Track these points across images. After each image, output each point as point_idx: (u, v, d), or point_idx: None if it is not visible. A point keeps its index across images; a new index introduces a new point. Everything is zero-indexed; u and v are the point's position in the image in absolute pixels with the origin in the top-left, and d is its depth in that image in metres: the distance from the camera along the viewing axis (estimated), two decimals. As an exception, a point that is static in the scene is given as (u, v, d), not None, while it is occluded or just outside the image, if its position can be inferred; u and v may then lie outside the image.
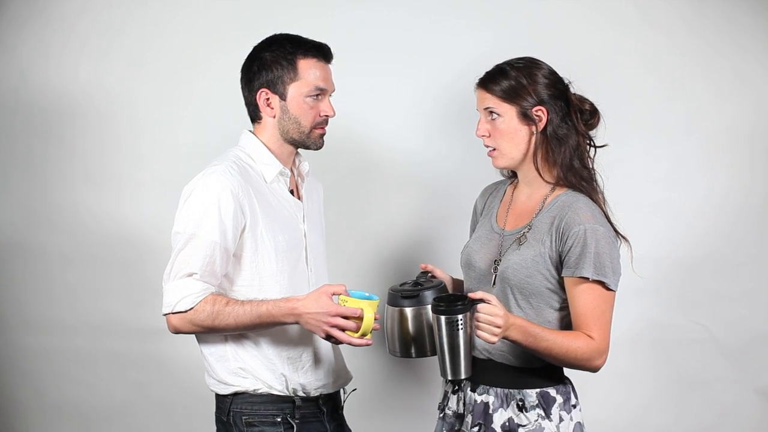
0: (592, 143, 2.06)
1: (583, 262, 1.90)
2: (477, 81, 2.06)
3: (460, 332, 1.85)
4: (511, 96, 2.00)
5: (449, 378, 1.92)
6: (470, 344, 1.88)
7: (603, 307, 1.93)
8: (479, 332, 1.83)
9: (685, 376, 2.84)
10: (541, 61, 2.05)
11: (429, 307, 1.96)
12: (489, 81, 2.03)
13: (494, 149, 2.05)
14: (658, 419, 2.85)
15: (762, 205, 2.79)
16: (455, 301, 1.86)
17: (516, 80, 2.00)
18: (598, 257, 1.90)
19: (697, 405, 2.83)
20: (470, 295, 1.86)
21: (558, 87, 2.03)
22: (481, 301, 1.83)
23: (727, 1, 2.79)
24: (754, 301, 2.81)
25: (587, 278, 1.90)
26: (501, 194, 2.20)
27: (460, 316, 1.84)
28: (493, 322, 1.81)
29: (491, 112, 2.02)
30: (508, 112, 2.01)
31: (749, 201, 2.79)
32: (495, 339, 1.82)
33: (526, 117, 2.01)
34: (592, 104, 2.07)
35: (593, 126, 2.07)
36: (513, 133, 2.02)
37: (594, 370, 1.95)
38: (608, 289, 1.92)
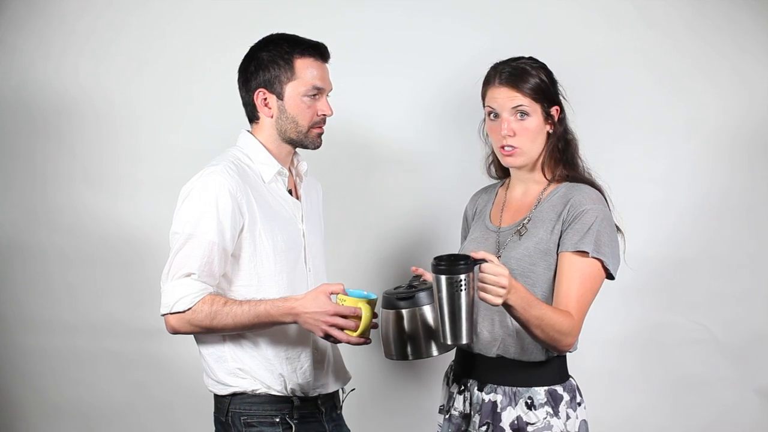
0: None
1: (585, 238, 1.92)
2: (499, 80, 2.03)
3: (462, 293, 1.72)
4: (539, 95, 2.01)
5: (449, 342, 1.78)
6: (472, 307, 1.75)
7: (588, 287, 1.93)
8: (483, 294, 1.75)
9: (685, 376, 2.83)
10: (539, 60, 2.08)
11: (425, 308, 1.92)
12: (519, 80, 2.01)
13: (516, 148, 2.03)
14: (657, 419, 2.85)
15: (762, 205, 2.79)
16: (457, 260, 1.73)
17: (541, 79, 2.02)
18: (599, 236, 1.92)
19: (697, 405, 2.83)
20: (472, 254, 1.75)
21: (557, 84, 2.07)
22: (484, 260, 1.75)
23: (727, 1, 2.78)
24: (753, 301, 2.80)
25: (587, 253, 1.91)
26: (492, 196, 2.21)
27: (462, 276, 1.71)
28: (499, 282, 1.73)
29: (520, 111, 2.01)
30: (536, 112, 2.02)
31: (749, 201, 2.78)
32: (499, 301, 1.75)
33: (547, 116, 2.03)
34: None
35: None
36: (537, 133, 2.03)
37: (565, 348, 1.93)
38: (604, 269, 1.94)
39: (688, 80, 2.79)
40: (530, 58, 2.07)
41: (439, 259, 1.75)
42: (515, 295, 1.79)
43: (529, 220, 2.03)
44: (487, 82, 2.07)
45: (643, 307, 2.82)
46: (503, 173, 2.20)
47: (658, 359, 2.84)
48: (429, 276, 2.06)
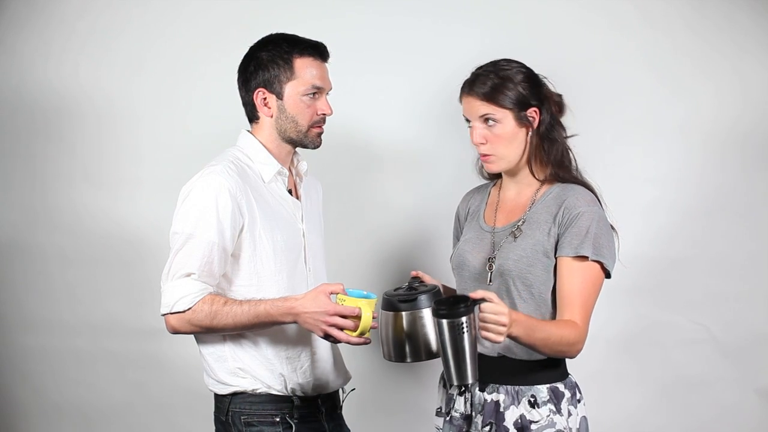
0: (565, 133, 2.09)
1: (584, 242, 1.92)
2: (462, 89, 2.04)
3: (465, 335, 1.74)
4: (501, 98, 1.99)
5: (455, 383, 1.81)
6: (475, 346, 1.77)
7: (591, 291, 1.93)
8: (485, 333, 1.76)
9: (685, 376, 2.83)
10: (517, 61, 2.05)
11: (425, 310, 1.92)
12: (476, 86, 2.01)
13: (490, 155, 2.04)
14: (657, 419, 2.85)
15: (762, 204, 2.79)
16: (457, 303, 1.76)
17: (500, 80, 1.99)
18: (597, 239, 1.92)
19: (697, 405, 2.83)
20: (471, 295, 1.77)
21: (539, 84, 2.04)
22: (483, 300, 1.77)
23: (727, 1, 2.78)
24: (754, 301, 2.80)
25: (586, 257, 1.91)
26: (485, 196, 2.20)
27: (463, 319, 1.73)
28: (499, 321, 1.75)
29: (487, 119, 2.01)
30: (505, 117, 2.00)
31: (748, 200, 2.78)
32: (501, 339, 1.76)
33: (521, 119, 2.01)
34: (559, 96, 2.08)
35: (561, 116, 2.09)
36: (512, 138, 2.02)
37: (573, 355, 1.95)
38: (603, 270, 1.94)
39: (688, 80, 2.79)
40: (507, 61, 2.04)
41: (439, 303, 1.78)
42: (518, 327, 1.80)
43: (523, 222, 2.03)
44: (461, 92, 2.06)
45: (643, 306, 2.82)
46: (495, 174, 2.20)
47: (658, 359, 2.84)
48: (428, 278, 2.08)
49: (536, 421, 1.96)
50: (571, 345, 1.90)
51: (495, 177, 2.21)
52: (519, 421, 1.97)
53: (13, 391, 3.04)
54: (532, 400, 1.97)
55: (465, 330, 1.74)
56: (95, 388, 3.01)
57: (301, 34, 2.10)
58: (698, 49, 2.78)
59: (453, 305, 1.75)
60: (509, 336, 1.81)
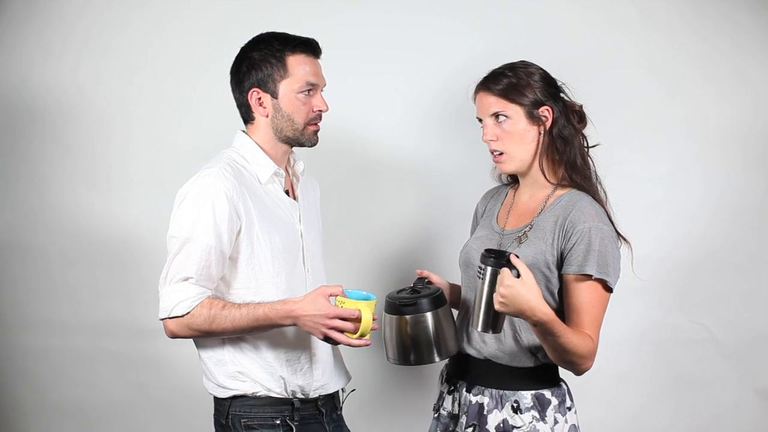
0: (586, 143, 2.08)
1: (588, 260, 1.90)
2: (476, 86, 2.05)
3: (485, 286, 1.84)
4: (515, 95, 1.99)
5: (479, 330, 1.88)
6: (491, 302, 1.84)
7: (599, 308, 1.93)
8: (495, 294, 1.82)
9: (685, 376, 2.84)
10: (534, 64, 2.05)
11: (428, 314, 1.96)
12: (491, 83, 2.02)
13: (502, 153, 2.03)
14: (657, 419, 2.85)
15: (761, 205, 2.79)
16: (499, 256, 1.84)
17: (517, 79, 1.99)
18: (602, 256, 1.90)
19: (696, 405, 2.83)
20: (512, 257, 1.83)
21: (555, 86, 2.04)
22: (510, 264, 1.81)
23: (727, 1, 2.78)
24: (754, 301, 2.81)
25: (590, 276, 1.90)
26: (502, 197, 2.20)
27: (488, 269, 1.83)
28: (498, 291, 1.80)
29: (498, 116, 2.01)
30: (516, 114, 2.00)
31: (749, 201, 2.78)
32: (497, 306, 1.81)
33: (533, 117, 2.00)
34: (580, 106, 2.08)
35: (581, 129, 2.08)
36: (522, 135, 2.01)
37: (583, 370, 1.93)
38: (607, 288, 1.92)
39: (688, 80, 2.79)
40: (523, 62, 2.05)
41: (489, 251, 1.86)
42: (537, 322, 1.82)
43: (530, 228, 2.02)
44: (476, 90, 2.07)
45: (644, 307, 2.82)
46: (513, 178, 2.19)
47: (658, 359, 2.84)
48: (435, 278, 2.09)
49: (518, 427, 1.96)
50: (583, 358, 1.89)
51: (513, 181, 2.19)
52: (501, 425, 1.97)
53: (13, 391, 3.04)
54: (515, 405, 1.97)
55: (487, 279, 1.84)
56: (95, 388, 3.01)
57: (301, 34, 2.08)
58: (698, 49, 2.78)
59: (493, 254, 1.85)
60: (530, 323, 1.84)
